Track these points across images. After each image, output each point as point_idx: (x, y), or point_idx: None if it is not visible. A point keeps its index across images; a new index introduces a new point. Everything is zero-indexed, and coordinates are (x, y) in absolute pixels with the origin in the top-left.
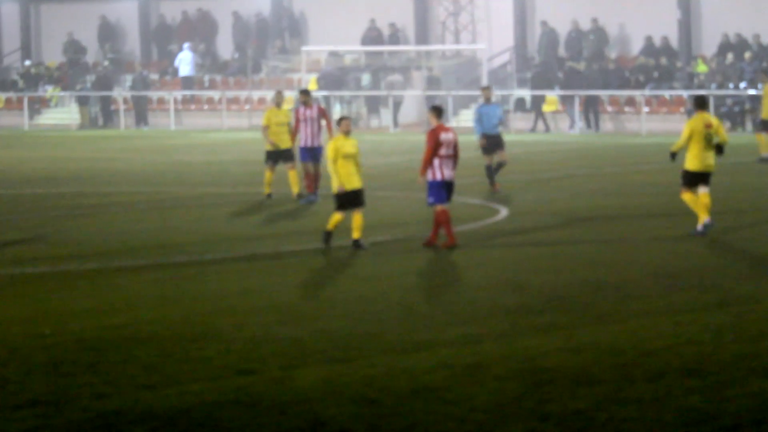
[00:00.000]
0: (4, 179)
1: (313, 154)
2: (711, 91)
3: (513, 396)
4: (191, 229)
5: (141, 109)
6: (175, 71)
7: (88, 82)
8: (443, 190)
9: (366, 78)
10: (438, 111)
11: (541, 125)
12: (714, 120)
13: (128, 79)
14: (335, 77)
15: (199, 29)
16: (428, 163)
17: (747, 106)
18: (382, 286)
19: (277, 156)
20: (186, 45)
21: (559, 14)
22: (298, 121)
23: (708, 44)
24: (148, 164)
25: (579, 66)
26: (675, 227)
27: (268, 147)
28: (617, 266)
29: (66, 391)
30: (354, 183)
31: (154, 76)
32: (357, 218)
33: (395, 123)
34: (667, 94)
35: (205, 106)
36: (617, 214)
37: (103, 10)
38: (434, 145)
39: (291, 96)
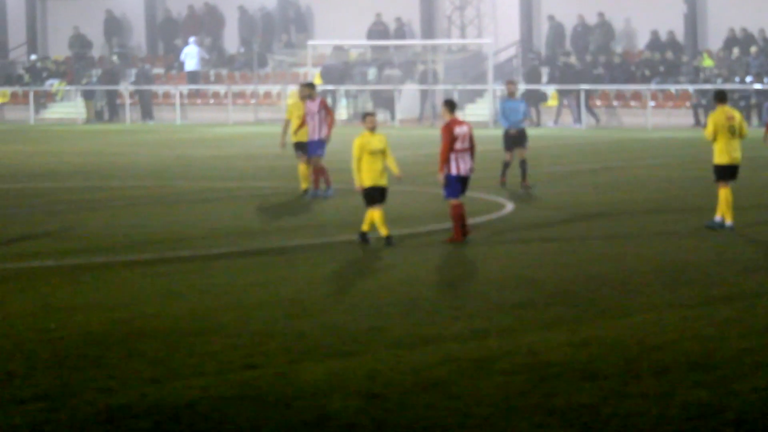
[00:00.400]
0: (10, 173)
1: (314, 147)
2: (717, 86)
3: (518, 390)
4: (197, 223)
5: (145, 104)
6: (181, 65)
7: (94, 77)
8: (458, 184)
9: (372, 72)
10: (451, 105)
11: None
12: (736, 113)
13: (134, 73)
14: (337, 71)
15: (205, 23)
16: (445, 158)
17: (753, 100)
18: (387, 281)
19: (302, 148)
20: (192, 39)
21: (565, 8)
22: (304, 114)
23: (714, 39)
24: (154, 158)
25: (573, 60)
26: (680, 222)
27: (294, 139)
28: (623, 261)
29: (71, 385)
30: (379, 180)
31: (160, 71)
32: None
33: (392, 117)
34: (672, 88)
35: (211, 101)
36: (622, 209)
37: (109, 5)
38: (450, 140)
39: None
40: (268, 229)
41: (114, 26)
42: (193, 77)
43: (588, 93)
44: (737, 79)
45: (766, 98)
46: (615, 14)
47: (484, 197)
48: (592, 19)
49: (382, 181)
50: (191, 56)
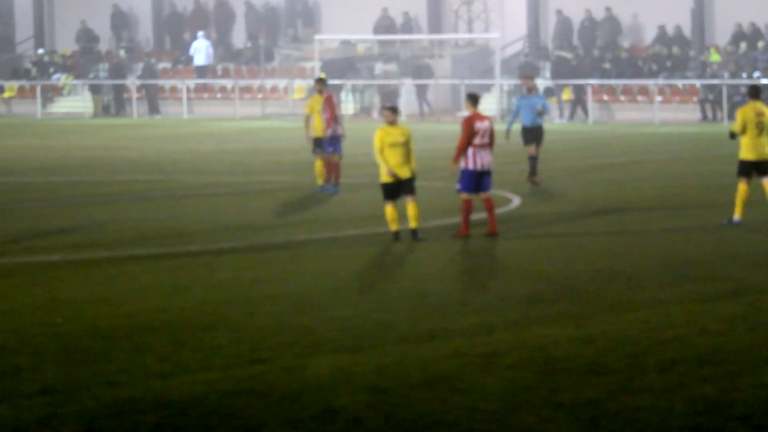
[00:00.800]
0: (17, 167)
1: (325, 143)
2: (724, 81)
3: (525, 385)
4: (203, 217)
5: (152, 98)
6: (188, 60)
7: (101, 71)
8: (473, 179)
9: (379, 67)
10: (474, 99)
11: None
12: (767, 109)
13: (140, 68)
14: (340, 65)
15: (212, 18)
16: (462, 152)
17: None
18: (394, 275)
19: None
20: (200, 33)
21: (573, 3)
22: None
23: (721, 33)
24: (161, 153)
25: (567, 55)
26: (687, 217)
27: (315, 134)
28: (630, 256)
29: (78, 379)
30: (400, 172)
31: (167, 65)
32: (410, 208)
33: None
34: (680, 83)
35: (218, 95)
36: (629, 204)
37: None
38: (469, 134)
39: (303, 85)
40: (275, 223)
41: (121, 20)
42: (201, 71)
43: (580, 88)
44: (744, 74)
45: None
46: (622, 9)
47: (492, 192)
48: (599, 14)
49: (404, 173)
50: (200, 50)
